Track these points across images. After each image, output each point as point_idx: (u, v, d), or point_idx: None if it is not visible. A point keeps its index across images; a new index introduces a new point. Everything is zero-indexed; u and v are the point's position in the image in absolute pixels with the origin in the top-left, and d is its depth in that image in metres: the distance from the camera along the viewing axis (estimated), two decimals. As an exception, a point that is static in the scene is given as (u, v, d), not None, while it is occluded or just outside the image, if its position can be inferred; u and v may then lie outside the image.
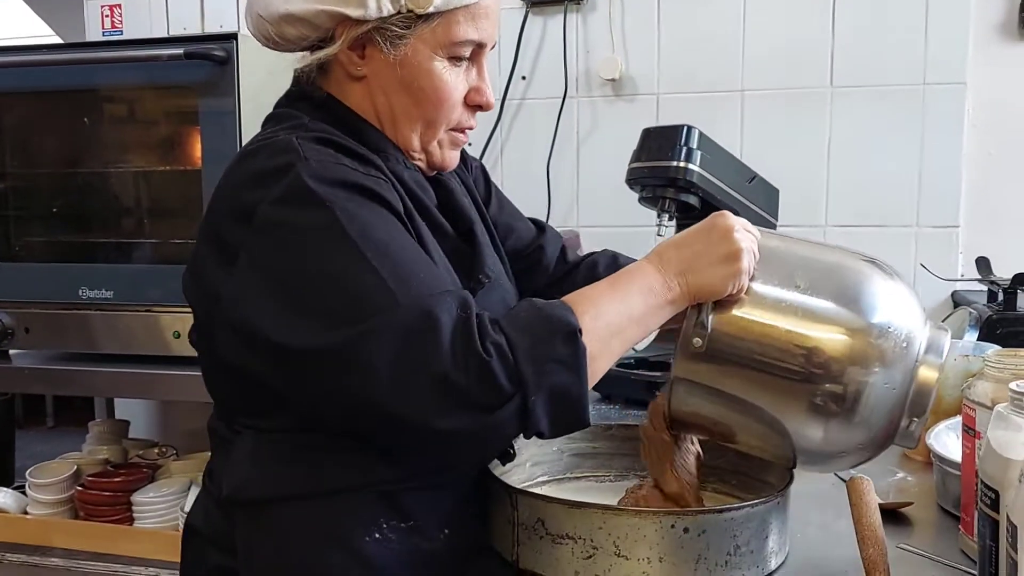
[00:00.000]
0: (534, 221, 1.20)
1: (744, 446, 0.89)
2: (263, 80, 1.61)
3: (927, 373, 0.82)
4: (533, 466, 1.04)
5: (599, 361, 0.79)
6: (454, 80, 0.89)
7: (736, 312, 0.83)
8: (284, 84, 0.98)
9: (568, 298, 0.81)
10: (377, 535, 0.82)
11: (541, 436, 0.77)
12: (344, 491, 0.82)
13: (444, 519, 0.86)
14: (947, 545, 0.92)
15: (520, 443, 1.01)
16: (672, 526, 0.80)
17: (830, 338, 0.81)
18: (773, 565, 0.86)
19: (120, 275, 1.72)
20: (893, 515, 1.00)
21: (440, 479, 0.86)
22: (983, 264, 1.61)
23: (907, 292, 0.85)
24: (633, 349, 1.71)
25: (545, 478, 1.05)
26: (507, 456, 0.96)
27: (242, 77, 1.58)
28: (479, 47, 0.90)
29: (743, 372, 0.82)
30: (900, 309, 0.83)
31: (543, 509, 0.82)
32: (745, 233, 0.83)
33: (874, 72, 1.85)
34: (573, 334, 0.76)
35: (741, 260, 0.81)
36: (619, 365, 1.62)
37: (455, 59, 0.89)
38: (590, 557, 0.80)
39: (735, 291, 0.82)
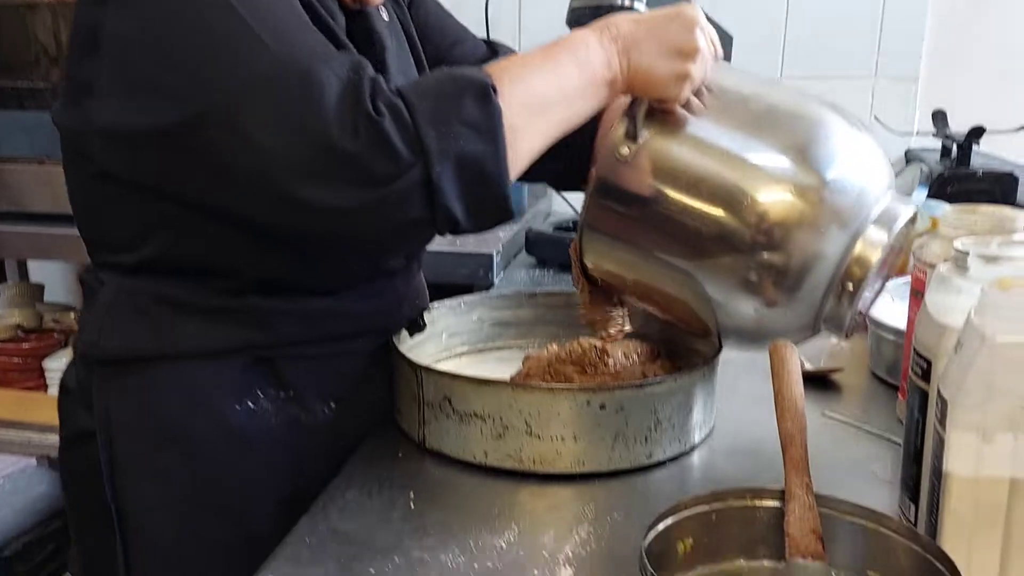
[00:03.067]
0: (488, 42, 1.08)
1: (663, 311, 0.82)
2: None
3: (868, 249, 0.71)
4: (450, 336, 0.97)
5: (521, 136, 0.67)
6: None
7: (673, 137, 0.73)
8: None
9: (488, 65, 0.70)
10: (250, 403, 0.75)
11: (456, 227, 0.66)
12: (211, 355, 0.75)
13: (330, 392, 0.80)
14: (876, 413, 0.88)
15: (435, 312, 0.94)
16: (588, 403, 0.74)
17: (777, 196, 0.70)
18: (697, 438, 0.81)
19: (18, 126, 1.56)
20: (822, 382, 0.96)
21: (324, 348, 0.79)
22: (939, 118, 1.53)
23: (873, 146, 0.75)
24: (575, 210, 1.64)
25: (464, 348, 0.98)
26: (415, 327, 0.88)
27: None
28: None
29: (665, 208, 0.72)
30: (862, 163, 0.73)
31: (449, 386, 0.76)
32: (708, 40, 0.72)
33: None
34: (485, 92, 0.64)
35: (694, 61, 0.71)
36: (554, 228, 1.54)
37: None
38: (500, 436, 0.75)
39: (676, 97, 0.72)
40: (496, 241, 1.49)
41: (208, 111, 0.64)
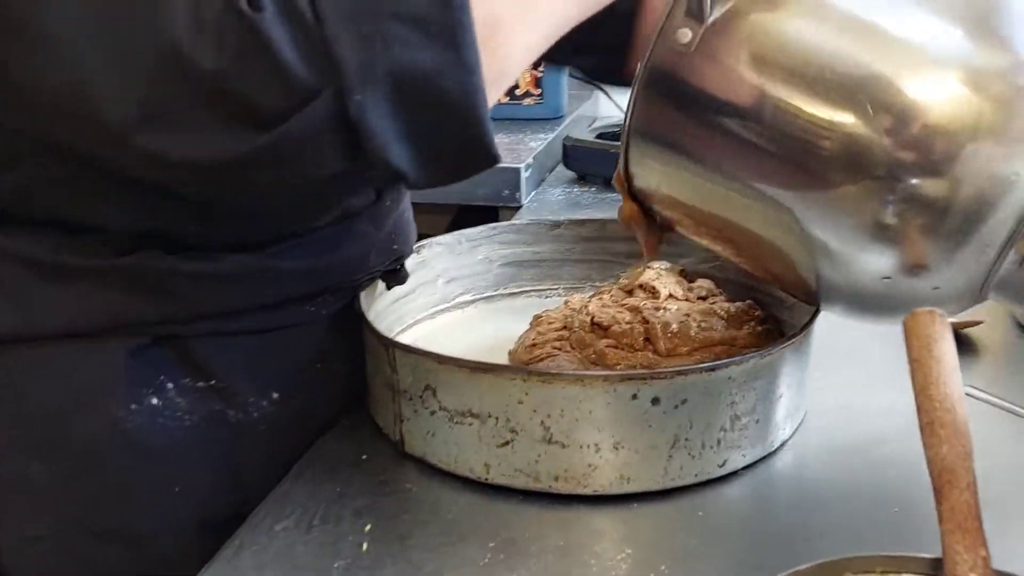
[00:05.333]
0: None
1: (749, 263, 0.57)
2: None
3: None
4: (449, 283, 0.73)
5: (509, 31, 0.44)
6: None
7: (763, 10, 0.47)
8: None
9: None
10: (153, 399, 0.53)
11: (405, 182, 0.44)
12: (91, 335, 0.52)
13: (270, 378, 0.57)
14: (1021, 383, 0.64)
15: (427, 252, 0.71)
16: (634, 396, 0.50)
17: (939, 86, 0.44)
18: (783, 436, 0.58)
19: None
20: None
21: (256, 321, 0.56)
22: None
23: None
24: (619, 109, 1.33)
25: (469, 296, 0.75)
26: (395, 277, 0.65)
27: None
28: None
29: (751, 112, 0.47)
30: None
31: (432, 372, 0.53)
32: None
33: None
34: None
35: None
36: (599, 136, 1.28)
37: None
38: (507, 444, 0.52)
39: None
40: (526, 152, 1.24)
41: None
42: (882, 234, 0.46)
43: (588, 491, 0.52)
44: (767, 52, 0.46)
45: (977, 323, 0.72)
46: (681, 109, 0.49)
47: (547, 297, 0.77)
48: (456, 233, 0.73)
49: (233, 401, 0.56)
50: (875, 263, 0.47)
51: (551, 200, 1.20)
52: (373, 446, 0.58)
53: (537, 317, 0.67)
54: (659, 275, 0.69)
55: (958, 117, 0.44)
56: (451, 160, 0.44)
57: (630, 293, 0.68)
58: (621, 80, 0.67)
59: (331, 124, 0.40)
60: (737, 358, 0.53)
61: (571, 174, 1.26)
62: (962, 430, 0.42)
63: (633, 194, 0.55)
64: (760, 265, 0.56)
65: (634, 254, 0.77)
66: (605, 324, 0.61)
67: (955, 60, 0.44)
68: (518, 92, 1.44)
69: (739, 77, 0.47)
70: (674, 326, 0.61)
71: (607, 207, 1.14)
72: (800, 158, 0.46)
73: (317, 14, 0.39)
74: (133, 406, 0.53)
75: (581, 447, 0.51)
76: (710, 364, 0.52)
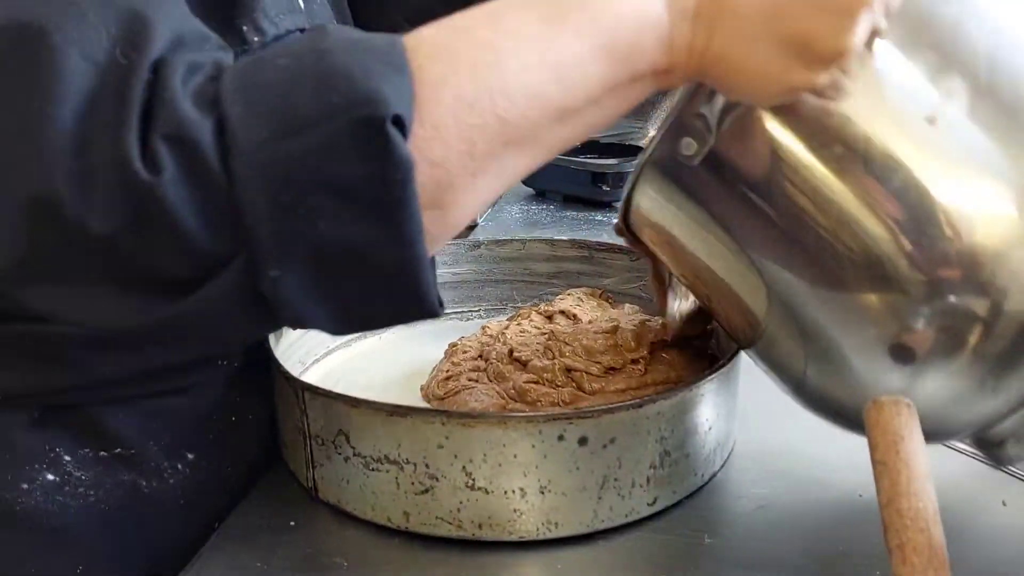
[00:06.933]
0: None
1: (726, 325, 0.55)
2: None
3: None
4: (363, 309, 0.70)
5: (460, 192, 0.37)
6: None
7: (784, 116, 0.42)
8: None
9: (416, 37, 0.37)
10: (49, 475, 0.48)
11: (299, 324, 0.40)
12: None
13: (183, 439, 0.52)
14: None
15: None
16: (560, 437, 0.48)
17: (977, 205, 0.41)
18: (718, 464, 0.56)
19: None
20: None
21: (162, 381, 0.50)
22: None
23: None
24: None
25: (384, 322, 0.72)
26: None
27: None
28: None
29: (761, 242, 0.44)
30: None
31: (344, 416, 0.49)
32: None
33: None
34: (374, 125, 0.33)
35: (831, 66, 0.38)
36: None
37: None
38: (427, 491, 0.49)
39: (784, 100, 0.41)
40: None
41: None
42: (904, 351, 0.42)
43: (514, 538, 0.49)
44: (788, 165, 0.42)
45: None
46: (689, 197, 0.47)
47: (468, 320, 0.74)
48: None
49: (145, 468, 0.50)
50: (886, 379, 0.43)
51: (508, 218, 1.15)
52: (289, 495, 0.54)
53: (452, 346, 0.64)
54: (580, 301, 0.67)
55: (1004, 235, 0.41)
56: (382, 321, 0.43)
57: (550, 319, 0.66)
58: None
59: (241, 296, 0.36)
60: (664, 393, 0.51)
61: (529, 190, 1.21)
62: (941, 558, 0.38)
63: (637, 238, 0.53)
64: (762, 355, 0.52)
65: (556, 274, 0.75)
66: (524, 360, 0.59)
67: (999, 173, 0.42)
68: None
69: (752, 187, 0.44)
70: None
71: (566, 225, 1.10)
72: (826, 265, 0.43)
73: (229, 175, 0.34)
74: (25, 485, 0.47)
75: (506, 492, 0.48)
76: (637, 401, 0.50)
